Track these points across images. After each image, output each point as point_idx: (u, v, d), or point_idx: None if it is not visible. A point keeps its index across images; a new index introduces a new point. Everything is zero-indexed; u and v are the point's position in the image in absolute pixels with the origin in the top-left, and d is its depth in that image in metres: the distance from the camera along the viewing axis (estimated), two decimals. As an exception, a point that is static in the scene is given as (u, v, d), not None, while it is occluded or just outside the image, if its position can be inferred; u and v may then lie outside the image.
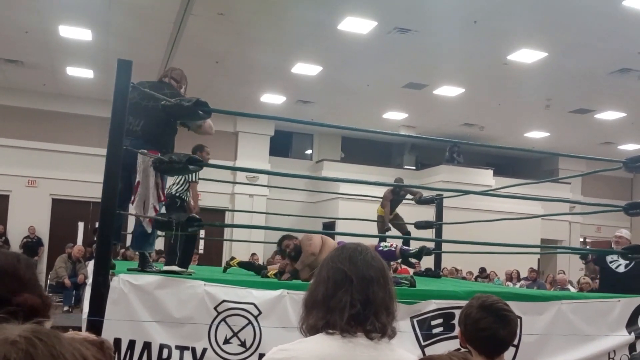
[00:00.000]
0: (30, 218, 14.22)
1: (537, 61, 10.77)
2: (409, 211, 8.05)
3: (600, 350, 3.68)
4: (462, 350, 2.02)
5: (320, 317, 1.43)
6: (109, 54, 11.04)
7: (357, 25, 9.66)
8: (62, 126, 14.73)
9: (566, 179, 16.80)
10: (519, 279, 12.95)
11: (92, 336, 0.89)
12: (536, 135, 16.29)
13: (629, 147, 16.43)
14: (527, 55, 10.58)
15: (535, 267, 14.39)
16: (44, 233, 14.53)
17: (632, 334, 3.82)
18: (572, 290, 10.74)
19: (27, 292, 1.05)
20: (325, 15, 9.37)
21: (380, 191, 7.85)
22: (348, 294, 1.43)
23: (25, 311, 0.98)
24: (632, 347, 3.80)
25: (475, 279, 13.26)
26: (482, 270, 13.87)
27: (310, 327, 1.45)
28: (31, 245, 14.01)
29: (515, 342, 3.35)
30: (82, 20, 9.99)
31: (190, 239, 4.59)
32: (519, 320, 3.48)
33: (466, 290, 3.93)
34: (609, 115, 14.05)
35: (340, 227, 12.85)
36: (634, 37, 9.48)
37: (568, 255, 17.49)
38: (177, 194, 4.73)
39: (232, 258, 6.32)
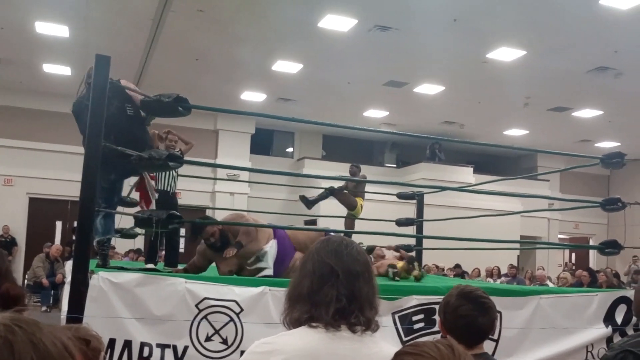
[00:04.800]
0: (6, 217, 13.96)
1: (516, 59, 10.89)
2: (390, 208, 8.08)
3: (578, 344, 3.74)
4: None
5: (305, 311, 1.43)
6: (86, 50, 10.86)
7: (337, 22, 9.66)
8: (39, 124, 14.49)
9: (544, 174, 17.05)
10: (499, 276, 13.09)
11: (85, 331, 0.88)
12: (515, 133, 16.48)
13: (606, 145, 16.71)
14: (506, 54, 10.70)
15: (515, 264, 14.58)
16: (20, 232, 14.28)
17: (609, 327, 3.89)
18: (551, 286, 10.89)
19: (6, 282, 1.03)
20: (306, 13, 9.36)
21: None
22: (334, 288, 1.43)
23: (5, 300, 0.97)
24: (609, 340, 3.86)
25: (454, 276, 13.36)
26: (457, 266, 13.95)
27: (294, 321, 1.44)
28: (5, 244, 13.73)
29: (495, 337, 3.39)
30: (59, 16, 9.83)
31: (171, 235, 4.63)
32: (499, 314, 3.53)
33: (447, 285, 3.95)
34: (587, 113, 14.28)
35: (321, 224, 12.84)
36: (610, 36, 9.64)
37: (547, 252, 17.76)
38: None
39: None
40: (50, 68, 12.63)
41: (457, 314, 1.99)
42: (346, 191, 7.31)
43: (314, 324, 1.41)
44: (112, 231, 4.18)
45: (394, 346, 1.60)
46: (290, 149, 18.32)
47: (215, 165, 12.10)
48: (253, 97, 14.14)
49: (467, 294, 2.03)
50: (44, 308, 10.38)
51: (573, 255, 19.66)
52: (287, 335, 1.43)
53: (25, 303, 1.08)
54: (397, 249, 5.37)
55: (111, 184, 4.07)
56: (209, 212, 15.35)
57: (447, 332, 2.02)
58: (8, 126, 14.24)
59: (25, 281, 11.07)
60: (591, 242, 19.14)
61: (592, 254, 19.20)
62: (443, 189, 6.70)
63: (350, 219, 7.38)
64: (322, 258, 1.48)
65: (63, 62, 12.27)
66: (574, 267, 16.29)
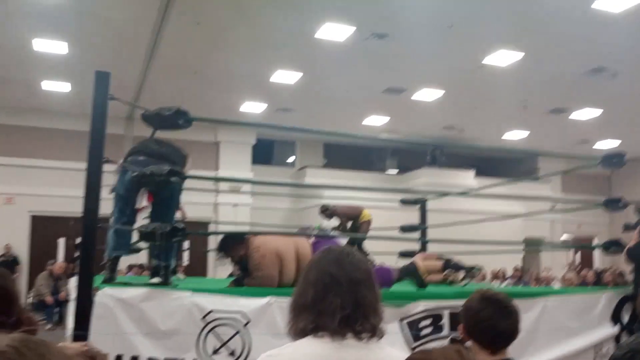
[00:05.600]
0: (8, 236, 13.96)
1: (513, 63, 10.92)
2: (392, 215, 8.07)
3: (587, 344, 3.73)
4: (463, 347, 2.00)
5: (310, 321, 1.43)
6: (85, 66, 10.92)
7: (334, 32, 9.71)
8: (39, 141, 14.52)
9: (546, 176, 17.05)
10: (504, 278, 13.06)
11: (88, 347, 0.88)
12: (515, 136, 16.50)
13: (605, 145, 16.72)
14: (502, 58, 10.73)
15: (520, 266, 14.54)
16: (23, 251, 14.26)
17: (617, 326, 3.88)
18: (557, 286, 10.85)
19: (19, 311, 1.03)
20: (303, 23, 9.41)
21: (364, 196, 7.86)
22: (338, 296, 1.43)
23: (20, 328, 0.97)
24: (617, 339, 3.85)
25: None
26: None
27: (300, 331, 1.44)
28: (7, 264, 13.73)
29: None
30: (57, 33, 9.88)
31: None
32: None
33: (454, 290, 3.95)
34: (585, 114, 14.29)
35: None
36: (605, 37, 9.68)
37: (551, 253, 17.71)
38: None
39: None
40: (49, 85, 12.68)
41: (478, 318, 1.95)
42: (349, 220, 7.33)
43: (319, 334, 1.41)
44: (125, 248, 4.02)
45: (402, 352, 1.60)
46: (291, 159, 18.34)
47: (216, 179, 12.11)
48: (253, 108, 14.17)
49: (488, 298, 1.98)
50: (48, 326, 10.35)
51: (578, 255, 19.60)
52: (292, 346, 1.43)
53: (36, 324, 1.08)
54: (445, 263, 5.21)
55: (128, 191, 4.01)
56: (211, 225, 15.36)
57: (469, 338, 1.97)
58: (8, 144, 14.27)
59: (30, 299, 11.06)
60: (595, 242, 19.11)
61: (597, 253, 19.14)
62: (443, 194, 6.71)
63: (365, 223, 7.34)
64: (324, 267, 1.48)
65: (62, 79, 12.32)
66: (578, 268, 16.23)
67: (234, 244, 4.02)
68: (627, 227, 5.02)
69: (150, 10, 8.91)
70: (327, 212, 7.38)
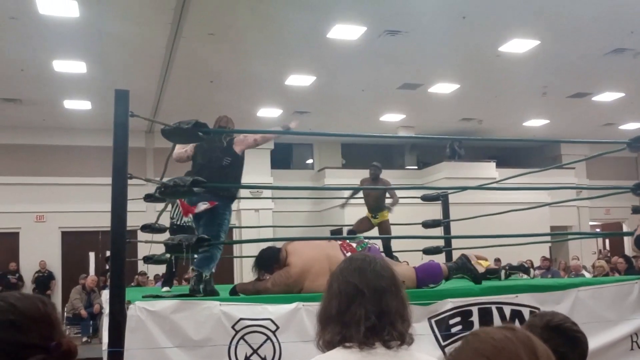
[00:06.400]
0: (41, 253, 14.28)
1: (529, 50, 10.78)
2: (415, 210, 8.03)
3: (622, 335, 3.66)
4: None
5: (336, 332, 1.43)
6: (104, 83, 11.10)
7: (346, 32, 9.70)
8: (65, 159, 14.82)
9: (570, 164, 16.77)
10: (532, 268, 12.88)
11: None
12: (536, 123, 16.27)
13: (630, 127, 16.39)
14: (519, 45, 10.59)
15: (547, 255, 14.32)
16: (56, 266, 14.57)
17: (651, 314, 3.79)
18: (587, 275, 10.68)
19: (59, 336, 1.06)
20: (314, 25, 9.42)
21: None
22: (362, 307, 1.43)
23: (59, 357, 0.99)
24: (652, 328, 3.77)
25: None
26: (497, 260, 13.74)
27: (327, 343, 1.44)
28: (43, 279, 14.06)
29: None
30: (75, 53, 10.07)
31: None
32: (537, 310, 3.47)
33: (481, 286, 3.92)
34: (608, 96, 14.03)
35: (347, 233, 12.80)
36: (625, 17, 9.49)
37: (579, 241, 17.41)
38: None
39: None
40: (71, 104, 12.93)
41: None
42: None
43: (347, 344, 1.41)
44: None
45: (433, 355, 1.60)
46: (310, 161, 18.37)
47: (237, 186, 12.16)
48: (269, 113, 14.24)
49: (556, 327, 1.73)
50: (84, 339, 10.54)
51: (607, 241, 19.24)
52: (322, 358, 1.44)
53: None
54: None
55: None
56: (235, 231, 15.45)
57: None
58: (35, 164, 14.59)
59: (65, 314, 11.27)
60: (624, 227, 18.73)
61: (627, 239, 18.77)
62: (463, 188, 6.66)
63: (385, 223, 7.30)
64: (347, 278, 1.48)
65: (83, 97, 12.55)
66: (609, 255, 15.93)
67: (272, 263, 4.08)
68: (635, 211, 4.87)
69: (164, 25, 9.02)
70: (378, 172, 7.32)
